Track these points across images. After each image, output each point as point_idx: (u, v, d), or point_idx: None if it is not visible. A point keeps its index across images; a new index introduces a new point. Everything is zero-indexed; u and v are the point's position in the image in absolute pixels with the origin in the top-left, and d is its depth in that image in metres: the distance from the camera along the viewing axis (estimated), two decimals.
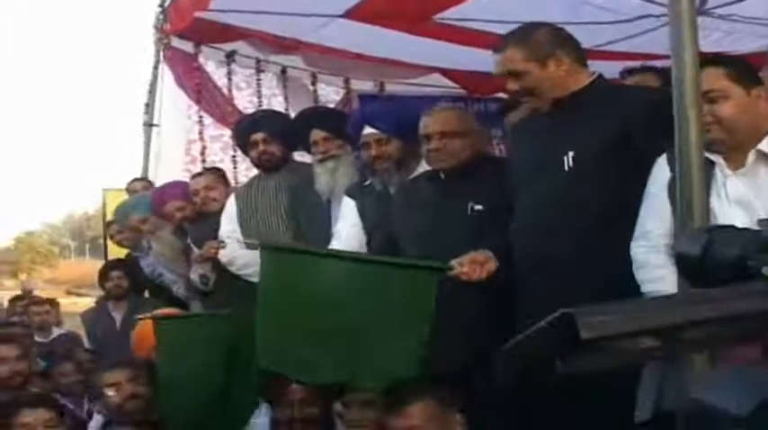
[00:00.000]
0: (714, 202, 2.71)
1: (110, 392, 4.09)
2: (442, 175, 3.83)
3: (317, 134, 4.62)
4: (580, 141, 3.21)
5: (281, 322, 3.52)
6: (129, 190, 6.92)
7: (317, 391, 3.79)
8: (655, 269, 2.86)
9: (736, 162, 2.78)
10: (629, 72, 4.52)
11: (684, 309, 1.29)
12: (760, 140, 2.76)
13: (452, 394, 3.30)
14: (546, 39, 3.32)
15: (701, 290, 2.30)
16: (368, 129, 4.17)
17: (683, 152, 2.15)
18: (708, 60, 2.71)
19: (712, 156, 2.75)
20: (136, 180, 6.94)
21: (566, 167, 3.21)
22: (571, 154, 3.20)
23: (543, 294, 3.19)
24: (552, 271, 3.22)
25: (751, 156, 2.75)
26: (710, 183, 2.72)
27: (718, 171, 2.76)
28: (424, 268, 3.33)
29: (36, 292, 12.22)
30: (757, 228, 1.53)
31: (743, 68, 2.83)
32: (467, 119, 3.93)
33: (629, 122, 3.12)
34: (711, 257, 1.51)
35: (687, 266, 1.57)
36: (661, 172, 2.87)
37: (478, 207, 3.65)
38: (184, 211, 5.52)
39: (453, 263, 3.33)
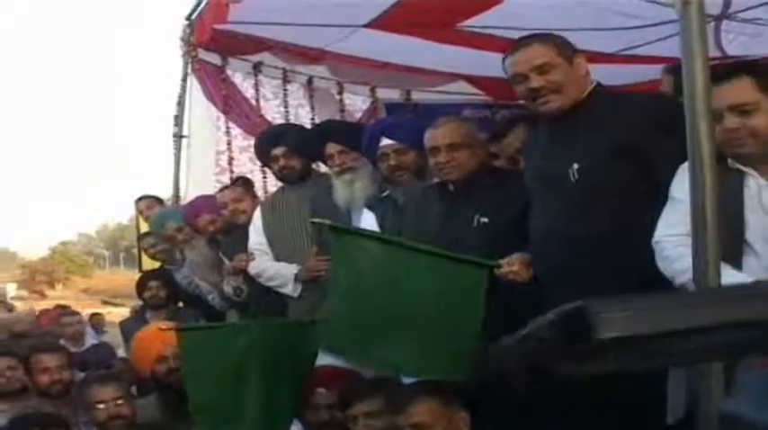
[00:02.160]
0: (749, 214, 2.65)
1: (99, 406, 4.16)
2: (451, 187, 3.86)
3: (332, 147, 4.66)
4: (584, 153, 3.22)
5: (344, 303, 3.64)
6: (138, 208, 7.07)
7: (341, 397, 3.88)
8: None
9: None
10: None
11: (719, 309, 1.12)
12: None
13: (458, 392, 3.36)
14: (566, 41, 3.36)
15: (731, 286, 2.26)
16: (385, 141, 4.22)
17: (695, 162, 2.15)
18: (732, 70, 2.66)
19: (744, 167, 2.71)
20: (142, 198, 7.08)
21: (572, 179, 3.23)
22: (576, 166, 3.21)
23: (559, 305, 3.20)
24: (567, 282, 3.22)
25: None
26: (742, 193, 2.67)
27: (752, 182, 2.70)
28: (472, 263, 3.43)
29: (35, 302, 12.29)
30: None
31: None
32: (472, 130, 3.95)
33: (632, 129, 3.12)
34: None
35: None
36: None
37: (484, 219, 3.68)
38: (216, 224, 5.61)
39: (502, 262, 3.39)
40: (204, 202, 5.79)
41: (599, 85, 3.38)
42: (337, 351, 3.79)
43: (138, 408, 4.29)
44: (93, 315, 11.86)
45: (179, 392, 4.14)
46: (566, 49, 3.31)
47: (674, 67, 3.80)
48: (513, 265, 3.40)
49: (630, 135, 3.11)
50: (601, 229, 3.15)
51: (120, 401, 4.17)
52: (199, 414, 3.96)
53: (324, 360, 4.11)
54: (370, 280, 3.57)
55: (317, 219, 3.90)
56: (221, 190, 5.68)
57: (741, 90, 2.67)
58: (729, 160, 2.70)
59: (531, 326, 1.22)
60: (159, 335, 4.44)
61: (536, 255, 3.41)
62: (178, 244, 6.04)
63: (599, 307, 1.08)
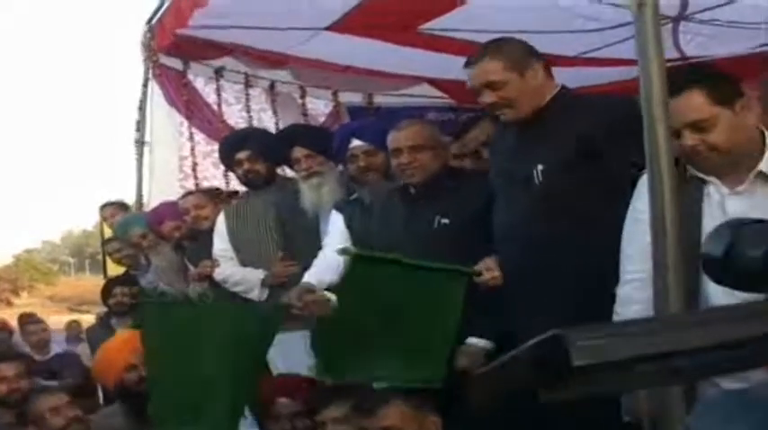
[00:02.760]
0: (708, 222, 2.61)
1: (49, 416, 4.07)
2: (413, 190, 3.87)
3: (298, 151, 4.65)
4: (547, 155, 3.22)
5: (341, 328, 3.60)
6: (102, 215, 7.01)
7: (307, 404, 3.84)
8: (626, 305, 2.77)
9: (731, 180, 2.67)
10: None
11: (685, 334, 1.16)
12: (755, 151, 2.65)
13: (429, 396, 3.36)
14: (521, 50, 3.33)
15: (698, 311, 2.28)
16: (355, 142, 4.23)
17: (653, 167, 2.14)
18: (683, 82, 2.60)
19: (706, 177, 2.68)
20: (106, 205, 7.02)
21: (536, 181, 3.24)
22: (540, 167, 3.22)
23: (521, 306, 3.23)
24: (526, 281, 3.26)
25: (752, 176, 2.64)
26: (701, 201, 2.66)
27: (713, 190, 2.68)
28: (452, 271, 3.43)
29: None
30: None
31: (723, 85, 2.67)
32: (434, 132, 3.97)
33: (596, 131, 3.12)
34: (736, 257, 1.39)
35: (712, 268, 1.46)
36: None
37: (445, 220, 3.69)
38: (181, 230, 5.61)
39: (480, 268, 3.39)
40: (168, 209, 5.75)
41: (564, 87, 3.39)
42: (338, 376, 3.69)
43: (103, 417, 4.23)
44: (71, 322, 11.72)
45: (144, 400, 4.08)
46: (520, 61, 3.28)
47: None
48: (493, 271, 3.40)
49: (594, 137, 3.12)
50: (562, 231, 3.16)
51: (71, 406, 4.10)
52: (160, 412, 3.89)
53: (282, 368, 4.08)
54: (377, 301, 3.51)
55: (342, 246, 3.77)
56: (183, 196, 5.65)
57: (695, 106, 2.61)
58: (689, 168, 2.68)
59: (510, 355, 1.23)
60: (127, 344, 4.36)
61: (498, 253, 3.42)
62: (143, 250, 6.02)
63: (575, 335, 1.09)
